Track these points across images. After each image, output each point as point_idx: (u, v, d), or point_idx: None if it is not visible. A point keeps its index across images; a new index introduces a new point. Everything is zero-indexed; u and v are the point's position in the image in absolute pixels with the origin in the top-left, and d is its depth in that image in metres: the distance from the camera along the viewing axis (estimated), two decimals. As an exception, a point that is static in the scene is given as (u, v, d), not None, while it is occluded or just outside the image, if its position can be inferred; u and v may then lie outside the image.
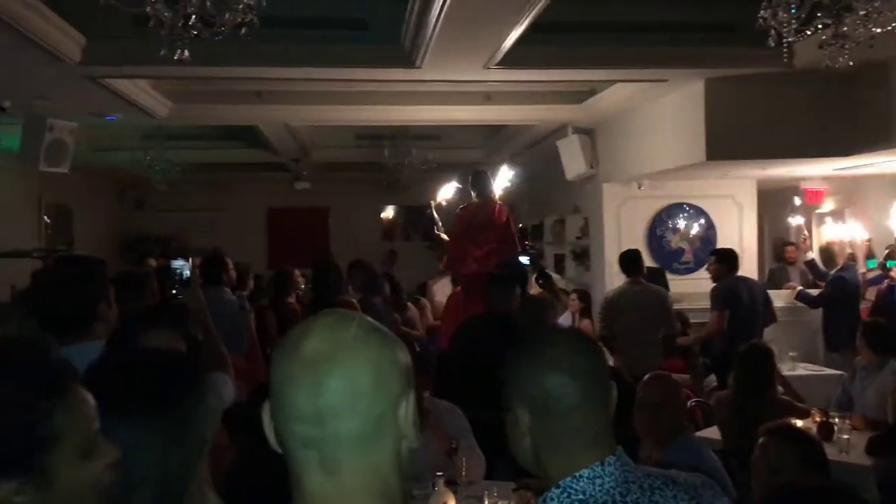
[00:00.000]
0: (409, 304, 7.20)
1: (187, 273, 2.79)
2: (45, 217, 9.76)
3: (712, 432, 4.19)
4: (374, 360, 1.00)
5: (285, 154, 9.65)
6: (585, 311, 7.24)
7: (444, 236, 6.43)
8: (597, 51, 5.21)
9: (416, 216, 11.32)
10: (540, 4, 3.96)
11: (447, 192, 6.65)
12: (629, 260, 6.06)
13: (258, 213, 12.84)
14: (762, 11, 3.03)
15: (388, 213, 11.84)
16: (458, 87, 6.46)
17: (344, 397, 0.97)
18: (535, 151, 9.34)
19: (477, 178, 5.89)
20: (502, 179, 6.30)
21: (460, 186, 6.50)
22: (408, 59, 5.07)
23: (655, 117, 6.49)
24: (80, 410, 1.13)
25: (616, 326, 5.87)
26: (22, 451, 1.05)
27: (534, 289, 6.55)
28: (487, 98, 7.06)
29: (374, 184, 11.58)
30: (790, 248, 7.87)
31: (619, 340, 5.73)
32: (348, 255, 10.63)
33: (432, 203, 6.70)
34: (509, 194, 10.84)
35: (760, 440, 2.78)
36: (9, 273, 7.85)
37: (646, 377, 3.25)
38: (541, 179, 9.62)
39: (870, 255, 7.24)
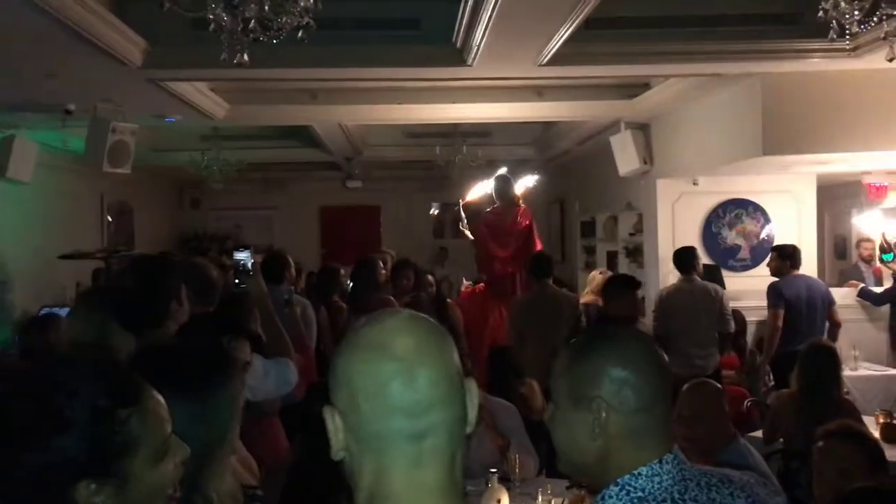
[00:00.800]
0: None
1: (250, 263, 2.89)
2: (108, 216, 10.10)
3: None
4: (450, 353, 1.04)
5: (338, 153, 9.78)
6: None
7: (469, 234, 6.59)
8: (651, 46, 5.15)
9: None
10: (594, 1, 3.93)
11: (477, 191, 6.77)
12: (683, 257, 5.99)
13: (311, 211, 13.05)
14: (823, 3, 2.96)
15: (435, 210, 11.91)
16: (510, 83, 6.47)
17: (439, 389, 1.01)
18: (587, 147, 9.28)
19: (499, 183, 6.21)
20: (526, 181, 6.53)
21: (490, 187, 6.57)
22: (460, 58, 5.09)
23: (711, 111, 6.38)
24: (156, 415, 1.18)
25: (670, 324, 5.81)
26: (101, 456, 1.10)
27: None
28: (539, 94, 7.03)
29: (425, 181, 11.66)
30: (866, 245, 7.58)
31: (674, 338, 5.66)
32: (400, 253, 10.80)
33: (461, 202, 6.83)
34: (559, 191, 10.83)
35: (820, 442, 2.73)
36: (74, 271, 8.19)
37: (686, 387, 3.14)
38: (592, 175, 9.55)
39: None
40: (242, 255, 2.88)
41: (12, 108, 6.28)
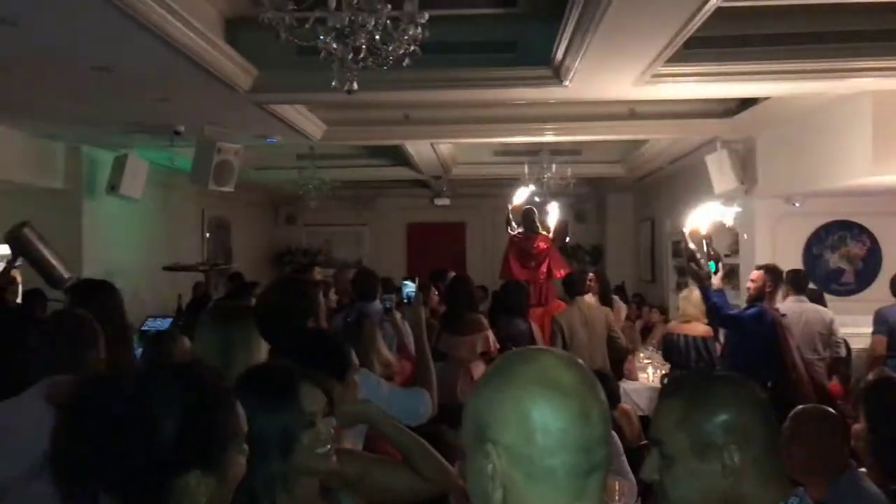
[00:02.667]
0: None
1: (413, 292, 3.00)
2: (207, 230, 10.54)
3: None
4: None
5: (427, 171, 9.92)
6: None
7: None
8: (753, 64, 5.03)
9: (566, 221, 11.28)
10: (698, 21, 3.88)
11: (521, 195, 7.36)
12: (798, 277, 5.79)
13: (398, 227, 13.26)
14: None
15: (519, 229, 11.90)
16: (603, 102, 6.43)
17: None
18: (679, 165, 9.11)
19: (525, 216, 7.08)
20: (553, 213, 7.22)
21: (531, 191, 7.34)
22: (556, 79, 5.10)
23: (816, 130, 6.16)
24: (241, 415, 1.37)
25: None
26: (203, 450, 1.26)
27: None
28: (632, 113, 6.97)
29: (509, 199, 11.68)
30: None
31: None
32: (485, 269, 10.85)
33: (509, 206, 7.37)
34: (649, 210, 10.65)
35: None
36: (176, 283, 8.59)
37: (796, 411, 3.01)
38: (684, 194, 9.34)
39: None
40: (409, 287, 3.00)
41: (127, 129, 6.65)
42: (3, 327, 3.09)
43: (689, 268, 5.22)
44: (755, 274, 5.28)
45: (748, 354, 4.99)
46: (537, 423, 1.02)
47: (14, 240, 5.94)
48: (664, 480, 1.43)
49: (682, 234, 5.30)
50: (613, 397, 4.34)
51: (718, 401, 1.42)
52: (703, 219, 5.31)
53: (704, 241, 5.18)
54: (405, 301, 3.05)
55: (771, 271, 5.26)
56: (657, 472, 1.44)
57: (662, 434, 1.44)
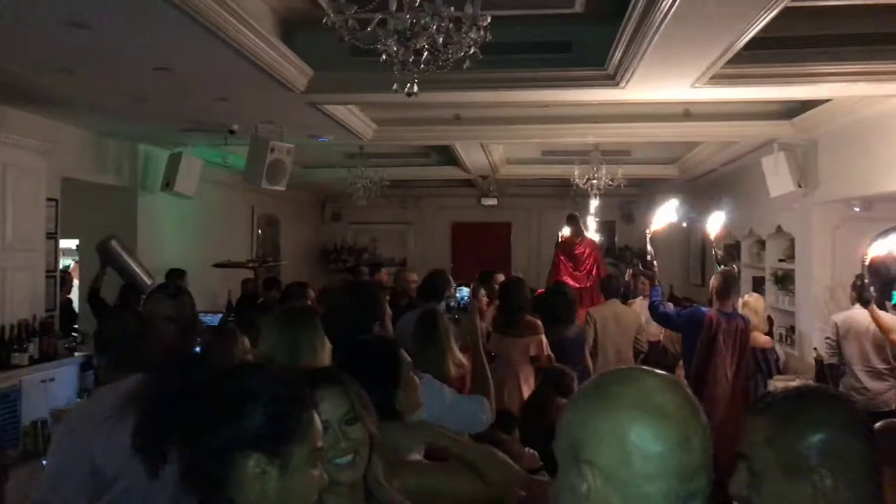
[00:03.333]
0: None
1: (467, 299, 2.99)
2: (257, 227, 10.69)
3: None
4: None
5: (475, 171, 9.90)
6: None
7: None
8: (813, 66, 4.91)
9: (602, 232, 11.18)
10: (763, 21, 3.79)
11: (664, 217, 6.52)
12: (862, 286, 5.65)
13: (443, 227, 13.27)
14: None
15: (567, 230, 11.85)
16: (657, 103, 6.33)
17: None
18: (732, 167, 8.93)
19: (570, 221, 7.77)
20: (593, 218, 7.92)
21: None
22: (612, 80, 5.04)
23: (880, 133, 5.97)
24: (316, 425, 1.41)
25: (845, 353, 5.49)
26: (273, 436, 1.31)
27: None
28: (686, 115, 6.85)
29: (558, 199, 11.60)
30: None
31: (848, 368, 5.35)
32: (530, 270, 10.80)
33: (647, 232, 6.68)
34: (700, 212, 10.47)
35: None
36: (226, 279, 8.72)
37: (880, 425, 2.89)
38: (738, 197, 9.16)
39: None
40: (463, 293, 3.00)
41: (183, 127, 6.77)
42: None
43: (637, 268, 6.64)
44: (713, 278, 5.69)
45: (686, 351, 5.59)
46: (636, 447, 1.00)
47: (101, 251, 6.33)
48: (752, 498, 1.38)
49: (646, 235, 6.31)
50: None
51: (812, 420, 1.36)
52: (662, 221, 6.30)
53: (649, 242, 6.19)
54: (460, 307, 3.03)
55: (721, 275, 5.65)
56: (746, 488, 1.39)
57: (750, 450, 1.39)
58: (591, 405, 1.05)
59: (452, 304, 3.19)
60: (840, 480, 1.31)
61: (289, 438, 1.34)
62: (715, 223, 6.08)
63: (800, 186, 7.04)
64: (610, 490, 1.01)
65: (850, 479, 1.31)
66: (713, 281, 5.67)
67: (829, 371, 5.73)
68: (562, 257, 7.61)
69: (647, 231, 5.95)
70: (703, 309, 5.77)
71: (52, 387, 5.50)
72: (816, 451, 1.33)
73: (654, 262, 5.82)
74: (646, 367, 1.11)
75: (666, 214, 6.17)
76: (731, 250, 9.64)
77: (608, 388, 1.06)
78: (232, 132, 6.85)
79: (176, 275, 7.10)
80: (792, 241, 7.73)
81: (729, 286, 5.59)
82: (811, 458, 1.33)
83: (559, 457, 1.08)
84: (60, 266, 7.07)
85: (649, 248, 5.91)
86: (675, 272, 11.50)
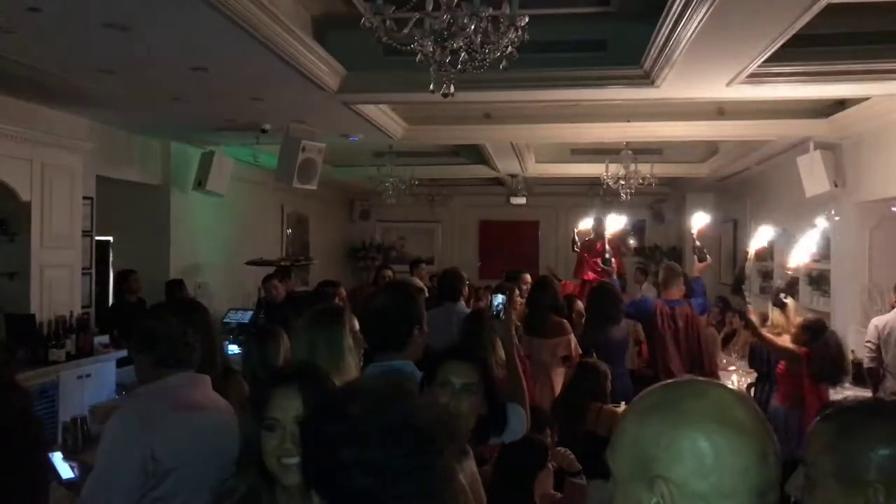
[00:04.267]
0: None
1: (503, 306, 2.96)
2: (287, 225, 10.76)
3: None
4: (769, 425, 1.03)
5: (504, 170, 9.87)
6: None
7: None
8: (854, 64, 4.82)
9: (630, 230, 11.09)
10: (805, 19, 3.73)
11: (587, 223, 8.08)
12: None
13: (471, 225, 13.26)
14: None
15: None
16: (690, 102, 6.25)
17: (779, 468, 1.00)
18: (766, 166, 8.81)
19: (595, 223, 7.87)
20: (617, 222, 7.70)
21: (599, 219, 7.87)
22: (647, 79, 4.99)
23: (920, 133, 5.86)
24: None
25: (888, 357, 5.39)
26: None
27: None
28: (720, 113, 6.77)
29: (587, 197, 11.52)
30: None
31: (890, 373, 5.25)
32: (558, 268, 10.73)
33: (575, 230, 8.19)
34: (733, 211, 10.37)
35: None
36: (257, 277, 8.78)
37: None
38: (771, 196, 9.04)
39: None
40: (498, 300, 2.96)
41: (217, 127, 6.83)
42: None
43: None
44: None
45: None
46: (716, 462, 0.98)
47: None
48: (805, 501, 1.39)
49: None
50: None
51: (874, 434, 1.34)
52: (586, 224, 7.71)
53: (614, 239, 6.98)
54: (495, 314, 3.00)
55: (667, 267, 6.12)
56: (801, 490, 1.39)
57: (809, 454, 1.40)
58: (664, 419, 1.03)
59: (499, 306, 3.13)
60: (893, 498, 1.29)
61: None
62: (698, 220, 6.39)
63: (836, 186, 6.93)
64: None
65: None
66: (660, 273, 6.19)
67: (869, 375, 5.63)
68: (585, 254, 7.91)
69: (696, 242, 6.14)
70: (644, 297, 6.51)
71: (88, 383, 5.59)
72: (876, 466, 1.31)
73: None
74: (713, 381, 1.09)
75: (703, 216, 6.41)
76: (763, 250, 9.51)
77: (682, 403, 1.04)
78: (264, 131, 6.90)
79: (175, 287, 7.02)
80: (828, 240, 7.60)
81: (669, 276, 5.87)
82: (869, 471, 1.31)
83: (619, 471, 1.06)
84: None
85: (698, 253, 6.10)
86: (709, 271, 11.36)
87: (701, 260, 6.24)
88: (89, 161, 6.21)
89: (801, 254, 5.45)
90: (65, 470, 3.10)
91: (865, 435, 1.34)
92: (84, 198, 6.19)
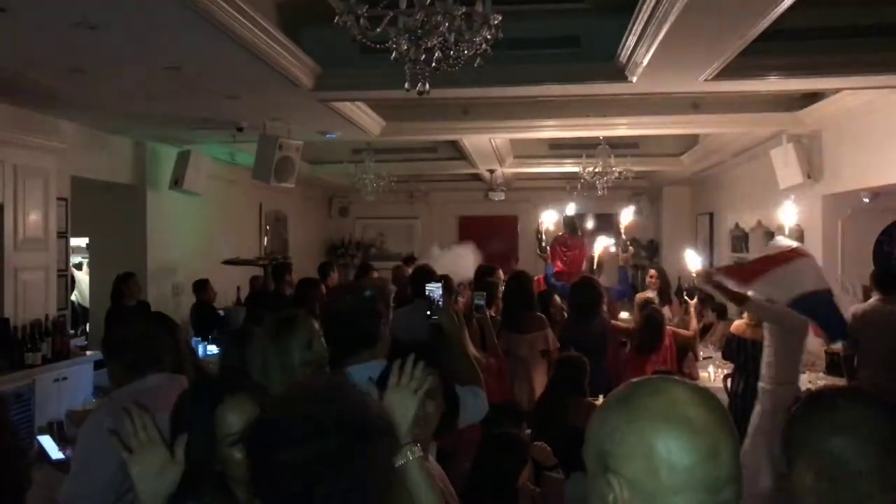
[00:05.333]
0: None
1: (439, 295, 2.94)
2: (265, 223, 10.70)
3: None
4: (734, 424, 1.04)
5: (482, 165, 9.88)
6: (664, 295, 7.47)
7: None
8: (826, 57, 4.89)
9: (608, 224, 11.17)
10: (776, 13, 3.78)
11: (550, 217, 8.48)
12: (888, 276, 5.64)
13: (450, 221, 13.27)
14: None
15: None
16: (665, 96, 6.31)
17: (735, 466, 1.01)
18: (742, 158, 8.90)
19: (566, 221, 8.29)
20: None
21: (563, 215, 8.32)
22: (621, 75, 5.02)
23: (889, 124, 5.95)
24: None
25: (863, 346, 5.47)
26: None
27: None
28: (695, 107, 6.83)
29: (565, 192, 11.57)
30: None
31: (868, 362, 5.33)
32: (537, 263, 10.76)
33: (539, 225, 8.49)
34: (708, 203, 10.45)
35: None
36: (234, 276, 8.74)
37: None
38: (746, 188, 9.15)
39: None
40: (433, 288, 2.94)
41: (192, 125, 6.78)
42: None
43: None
44: None
45: None
46: (663, 459, 0.99)
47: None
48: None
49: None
50: None
51: (810, 422, 1.43)
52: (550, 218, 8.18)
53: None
54: (433, 305, 2.96)
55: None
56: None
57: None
58: (619, 415, 1.05)
59: (479, 301, 3.06)
60: (825, 480, 1.37)
61: None
62: (626, 216, 7.22)
63: (809, 178, 7.03)
64: (637, 501, 1.01)
65: (841, 479, 1.36)
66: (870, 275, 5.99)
67: (845, 364, 5.72)
68: (556, 247, 8.11)
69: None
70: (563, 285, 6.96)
71: (64, 386, 5.54)
72: (804, 449, 1.41)
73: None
74: (677, 378, 1.10)
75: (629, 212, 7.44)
76: (739, 241, 9.63)
77: (636, 399, 1.05)
78: (240, 130, 6.86)
79: (121, 279, 6.64)
80: (802, 232, 7.70)
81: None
82: (798, 454, 1.42)
83: (588, 464, 1.09)
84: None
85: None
86: (683, 265, 11.46)
87: (624, 251, 7.06)
88: (63, 162, 6.14)
89: (694, 262, 5.92)
90: (53, 451, 3.10)
91: (813, 421, 1.41)
92: (58, 199, 6.12)
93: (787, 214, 6.26)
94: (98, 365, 5.78)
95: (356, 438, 1.30)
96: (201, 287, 7.84)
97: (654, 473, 1.00)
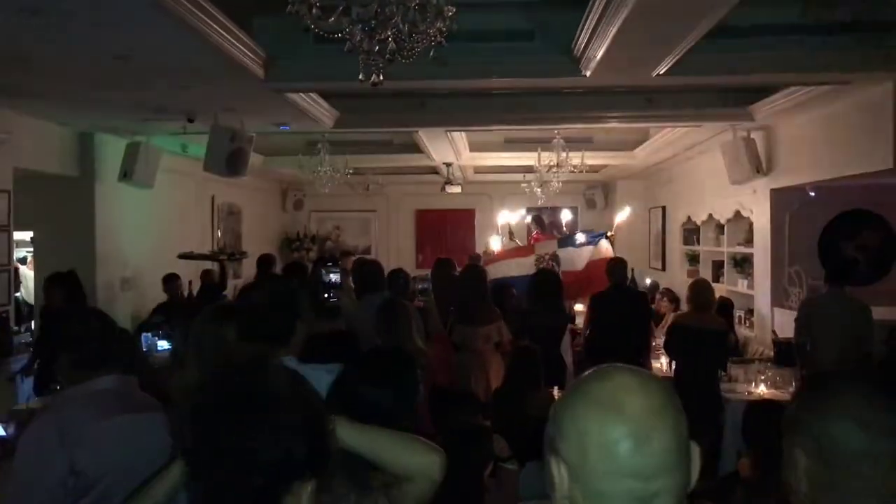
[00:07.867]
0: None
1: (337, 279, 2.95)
2: (218, 217, 10.52)
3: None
4: (682, 416, 1.03)
5: (439, 158, 9.87)
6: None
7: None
8: (774, 54, 4.99)
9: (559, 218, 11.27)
10: (724, 9, 3.84)
11: (504, 216, 9.84)
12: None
13: (407, 214, 13.24)
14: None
15: (528, 219, 11.98)
16: (619, 91, 6.38)
17: (670, 455, 1.00)
18: (693, 152, 9.06)
19: (537, 221, 9.59)
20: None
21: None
22: (575, 69, 5.06)
23: (834, 121, 6.11)
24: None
25: (815, 335, 5.63)
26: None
27: None
28: (649, 101, 6.91)
29: (521, 185, 11.63)
30: None
31: (819, 351, 5.49)
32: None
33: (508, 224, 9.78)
34: (661, 196, 10.62)
35: None
36: (187, 271, 8.57)
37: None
38: (698, 182, 9.31)
39: None
40: (333, 276, 2.94)
41: (142, 116, 6.61)
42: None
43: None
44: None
45: None
46: (593, 442, 1.00)
47: None
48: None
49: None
50: None
51: (808, 405, 1.43)
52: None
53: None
54: (332, 286, 2.96)
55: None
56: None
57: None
58: (565, 400, 1.07)
59: (421, 287, 3.08)
60: (818, 462, 1.37)
61: None
62: (504, 217, 8.86)
63: (758, 172, 7.18)
64: (574, 484, 1.02)
65: (834, 462, 1.35)
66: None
67: (798, 353, 5.88)
68: (530, 240, 8.99)
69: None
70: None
71: (6, 384, 5.38)
72: (800, 432, 1.40)
73: None
74: (630, 366, 1.09)
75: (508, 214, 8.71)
76: (691, 234, 9.81)
77: (583, 385, 1.07)
78: (191, 121, 6.72)
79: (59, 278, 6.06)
80: (750, 225, 7.89)
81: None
82: (795, 436, 1.41)
83: (544, 449, 1.10)
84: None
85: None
86: (638, 256, 11.64)
87: None
88: (6, 152, 5.94)
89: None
90: None
91: (810, 404, 1.40)
92: (0, 191, 5.92)
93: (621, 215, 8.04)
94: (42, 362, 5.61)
95: (275, 408, 1.23)
96: (171, 281, 7.72)
97: (584, 455, 1.01)
